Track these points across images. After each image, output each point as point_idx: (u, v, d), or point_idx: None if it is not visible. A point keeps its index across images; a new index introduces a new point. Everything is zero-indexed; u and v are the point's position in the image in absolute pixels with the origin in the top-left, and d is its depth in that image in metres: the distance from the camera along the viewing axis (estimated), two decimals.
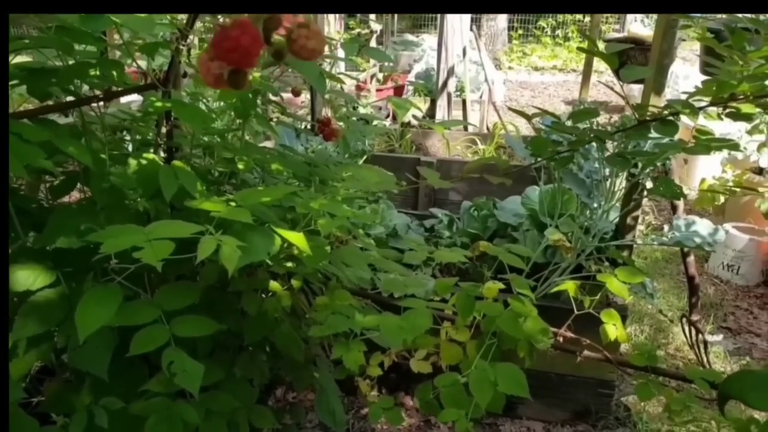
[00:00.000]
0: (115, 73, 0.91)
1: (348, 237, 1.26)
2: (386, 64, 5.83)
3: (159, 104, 0.96)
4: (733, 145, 1.09)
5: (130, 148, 1.21)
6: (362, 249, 1.24)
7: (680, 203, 1.86)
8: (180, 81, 1.14)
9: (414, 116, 4.11)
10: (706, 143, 1.10)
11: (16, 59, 0.92)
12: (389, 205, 2.27)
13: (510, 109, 1.58)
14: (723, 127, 3.22)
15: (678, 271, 2.86)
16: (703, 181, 3.38)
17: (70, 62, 0.91)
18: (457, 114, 4.73)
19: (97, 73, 0.91)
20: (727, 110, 1.08)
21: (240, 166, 1.11)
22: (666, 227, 1.87)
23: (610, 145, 1.55)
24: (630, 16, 7.83)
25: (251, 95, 1.05)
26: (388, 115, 4.88)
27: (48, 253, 0.90)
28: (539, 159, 1.41)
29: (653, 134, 1.13)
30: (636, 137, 1.21)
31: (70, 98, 0.96)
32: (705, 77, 1.41)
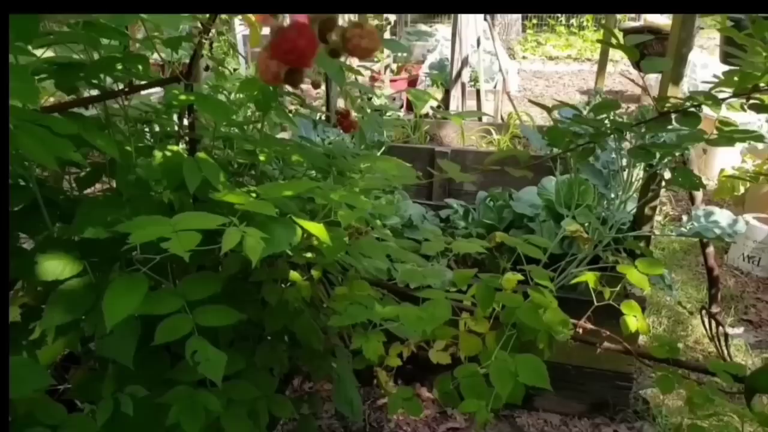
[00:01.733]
0: (140, 66, 0.92)
1: (366, 228, 1.27)
2: (400, 54, 5.80)
3: (183, 97, 0.97)
4: (758, 136, 1.07)
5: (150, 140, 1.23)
6: (379, 239, 1.24)
7: (699, 194, 1.84)
8: (200, 74, 1.15)
9: (431, 107, 4.09)
10: (729, 134, 1.09)
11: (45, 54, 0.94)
12: (404, 195, 2.27)
13: (530, 101, 1.57)
14: (742, 117, 3.17)
15: (697, 262, 2.83)
16: (722, 171, 3.34)
17: (95, 57, 0.93)
18: (471, 104, 4.70)
19: (122, 67, 0.92)
20: (751, 101, 1.07)
21: (261, 157, 1.12)
22: (684, 218, 1.85)
23: (628, 136, 1.54)
24: None
25: (272, 88, 1.05)
26: (402, 106, 4.87)
27: (75, 244, 0.92)
28: (555, 150, 1.40)
29: (674, 125, 1.12)
30: (657, 129, 1.20)
31: (94, 92, 0.98)
32: (725, 66, 1.38)
